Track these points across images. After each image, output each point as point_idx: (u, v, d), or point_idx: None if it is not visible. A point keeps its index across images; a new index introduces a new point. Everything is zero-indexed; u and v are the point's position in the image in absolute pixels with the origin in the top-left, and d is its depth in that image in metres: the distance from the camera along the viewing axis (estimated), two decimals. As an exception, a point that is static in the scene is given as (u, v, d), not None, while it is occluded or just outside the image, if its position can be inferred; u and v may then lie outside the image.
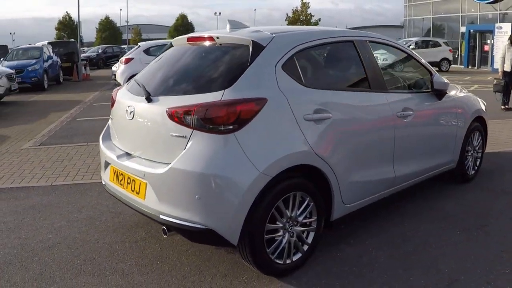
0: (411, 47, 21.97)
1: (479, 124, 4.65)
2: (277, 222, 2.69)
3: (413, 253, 3.11)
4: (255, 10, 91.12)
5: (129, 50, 16.98)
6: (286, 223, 2.73)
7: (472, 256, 3.04)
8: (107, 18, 70.09)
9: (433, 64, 22.37)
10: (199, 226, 2.51)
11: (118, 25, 70.92)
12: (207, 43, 3.06)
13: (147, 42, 15.13)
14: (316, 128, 2.78)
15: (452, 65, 23.66)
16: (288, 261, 2.79)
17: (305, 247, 2.88)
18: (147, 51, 13.48)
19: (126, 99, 3.07)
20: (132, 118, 2.92)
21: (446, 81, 3.94)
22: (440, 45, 22.55)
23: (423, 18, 30.83)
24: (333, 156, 2.88)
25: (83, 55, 32.11)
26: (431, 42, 23.04)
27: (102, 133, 3.50)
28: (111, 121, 3.38)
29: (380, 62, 3.74)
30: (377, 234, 3.41)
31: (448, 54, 22.51)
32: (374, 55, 3.43)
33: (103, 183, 3.36)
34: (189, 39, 3.22)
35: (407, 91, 3.87)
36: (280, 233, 2.72)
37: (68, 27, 65.89)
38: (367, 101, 3.24)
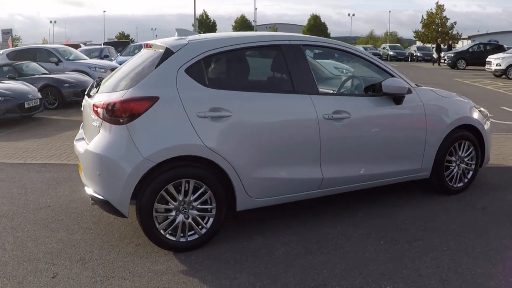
0: None
1: (468, 133, 4.48)
2: (169, 203, 3.27)
3: (313, 253, 3.36)
4: (389, 12, 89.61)
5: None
6: (179, 205, 3.29)
7: (368, 268, 3.15)
8: (242, 16, 75.17)
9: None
10: (101, 197, 3.26)
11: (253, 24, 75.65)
12: (148, 49, 3.77)
13: None
14: (211, 124, 3.27)
15: None
16: (182, 240, 3.34)
17: (203, 230, 3.39)
18: None
19: (86, 94, 3.95)
20: (83, 109, 3.78)
21: (399, 85, 3.93)
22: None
23: None
24: (232, 152, 3.33)
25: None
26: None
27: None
28: None
29: (332, 66, 3.98)
30: (298, 233, 3.71)
31: None
32: (310, 58, 3.73)
33: None
34: (145, 45, 3.97)
35: (347, 94, 4.02)
36: (173, 213, 3.29)
37: (204, 24, 72.62)
38: (281, 103, 3.55)
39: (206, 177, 3.30)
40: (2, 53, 14.74)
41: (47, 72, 12.28)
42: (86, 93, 3.72)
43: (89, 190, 3.39)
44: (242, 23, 74.32)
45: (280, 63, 3.68)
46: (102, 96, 3.42)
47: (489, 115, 5.03)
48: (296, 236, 3.65)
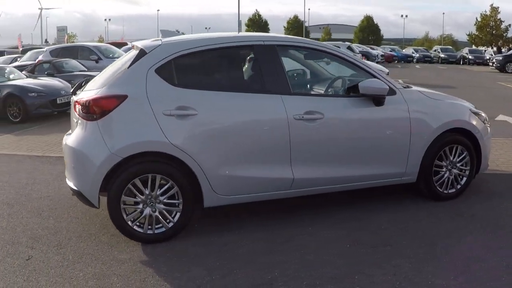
0: None
1: (462, 138, 4.32)
2: (136, 197, 3.45)
3: (274, 252, 3.42)
4: (443, 13, 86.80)
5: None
6: (146, 199, 3.46)
7: (322, 270, 3.14)
8: (295, 17, 75.41)
9: None
10: (75, 188, 3.50)
11: (306, 24, 75.92)
12: (132, 50, 3.98)
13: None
14: (177, 122, 3.43)
15: None
16: (149, 232, 3.51)
17: (171, 224, 3.54)
18: None
19: (72, 92, 4.21)
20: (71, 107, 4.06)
21: (377, 86, 3.86)
22: None
23: None
24: (198, 149, 3.46)
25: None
26: None
27: None
28: None
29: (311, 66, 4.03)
30: (268, 231, 3.78)
31: None
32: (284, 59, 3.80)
33: None
34: (132, 46, 4.18)
35: (323, 94, 4.05)
36: (140, 206, 3.47)
37: (256, 24, 73.48)
38: (250, 102, 3.64)
39: (172, 173, 3.45)
40: (46, 50, 15.67)
41: (85, 69, 12.96)
42: (72, 91, 3.99)
43: (69, 182, 3.65)
44: (294, 23, 74.36)
45: (251, 63, 3.78)
46: (82, 94, 3.66)
47: (487, 119, 4.81)
48: (265, 234, 3.73)
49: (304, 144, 3.75)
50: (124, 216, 3.46)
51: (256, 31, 70.80)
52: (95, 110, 3.38)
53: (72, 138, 3.54)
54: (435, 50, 43.65)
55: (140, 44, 3.77)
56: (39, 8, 70.41)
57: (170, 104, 3.44)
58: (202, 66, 3.89)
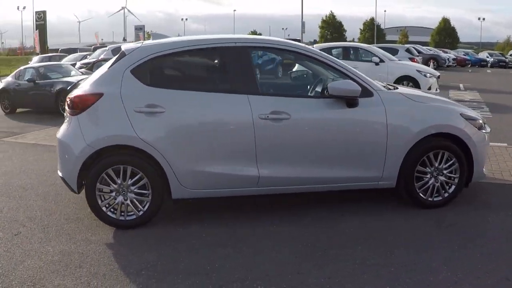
0: None
1: (450, 143, 4.22)
2: (110, 185, 3.85)
3: (226, 246, 3.64)
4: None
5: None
6: (119, 188, 3.86)
7: (260, 267, 3.28)
8: (371, 19, 74.88)
9: None
10: (60, 175, 3.99)
11: (382, 26, 75.27)
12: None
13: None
14: (146, 119, 3.79)
15: None
16: (121, 218, 3.91)
17: (141, 213, 3.91)
18: None
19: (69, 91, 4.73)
20: None
21: (347, 88, 3.90)
22: None
23: None
24: (165, 144, 3.79)
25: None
26: None
27: None
28: None
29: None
30: (233, 226, 4.01)
31: None
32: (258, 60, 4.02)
33: None
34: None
35: (292, 95, 4.22)
36: (113, 194, 3.87)
37: (331, 25, 73.23)
38: (215, 101, 3.89)
39: (142, 165, 3.82)
40: (108, 49, 16.99)
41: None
42: (68, 89, 4.52)
43: (58, 171, 4.15)
44: (370, 25, 73.54)
45: (220, 64, 4.07)
46: (74, 91, 4.15)
47: (484, 125, 4.57)
48: (228, 229, 3.96)
49: (270, 143, 3.93)
50: (99, 202, 3.88)
51: (330, 32, 71.09)
52: (78, 106, 3.86)
53: (60, 130, 4.05)
54: (511, 55, 40.92)
55: (123, 46, 4.19)
56: (122, 7, 75.57)
57: (140, 102, 3.81)
58: (174, 67, 4.25)
